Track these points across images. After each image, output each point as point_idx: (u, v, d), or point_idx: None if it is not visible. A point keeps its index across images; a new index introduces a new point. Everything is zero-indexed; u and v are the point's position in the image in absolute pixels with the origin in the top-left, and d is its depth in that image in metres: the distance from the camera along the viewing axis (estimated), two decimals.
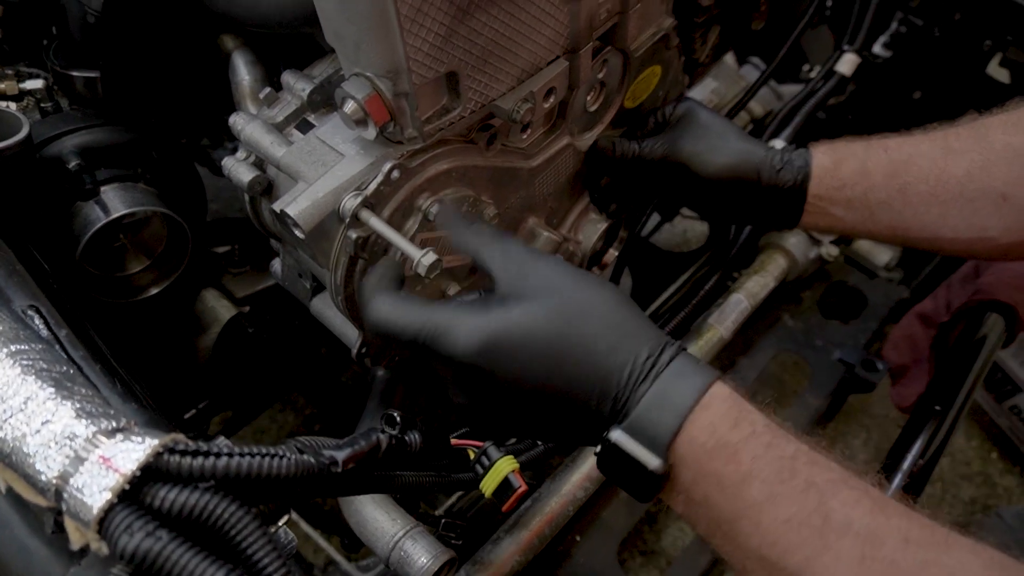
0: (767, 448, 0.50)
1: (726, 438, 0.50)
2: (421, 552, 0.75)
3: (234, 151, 0.79)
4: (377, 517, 0.78)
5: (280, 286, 0.96)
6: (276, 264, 0.93)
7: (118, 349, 0.66)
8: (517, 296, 0.56)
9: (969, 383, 1.02)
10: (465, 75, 0.68)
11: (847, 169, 0.84)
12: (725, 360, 1.33)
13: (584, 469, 0.99)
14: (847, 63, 1.19)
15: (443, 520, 0.85)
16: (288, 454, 0.46)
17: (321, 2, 0.62)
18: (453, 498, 1.06)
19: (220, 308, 1.03)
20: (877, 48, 1.58)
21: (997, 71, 1.49)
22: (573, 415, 0.54)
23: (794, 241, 1.31)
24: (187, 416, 1.08)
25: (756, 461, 0.49)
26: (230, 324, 1.02)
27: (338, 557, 1.06)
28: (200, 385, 1.08)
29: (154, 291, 0.91)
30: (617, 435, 0.52)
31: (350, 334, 0.85)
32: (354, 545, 0.99)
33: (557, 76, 0.77)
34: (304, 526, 1.14)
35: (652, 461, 0.51)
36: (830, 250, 1.31)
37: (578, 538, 1.06)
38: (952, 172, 0.79)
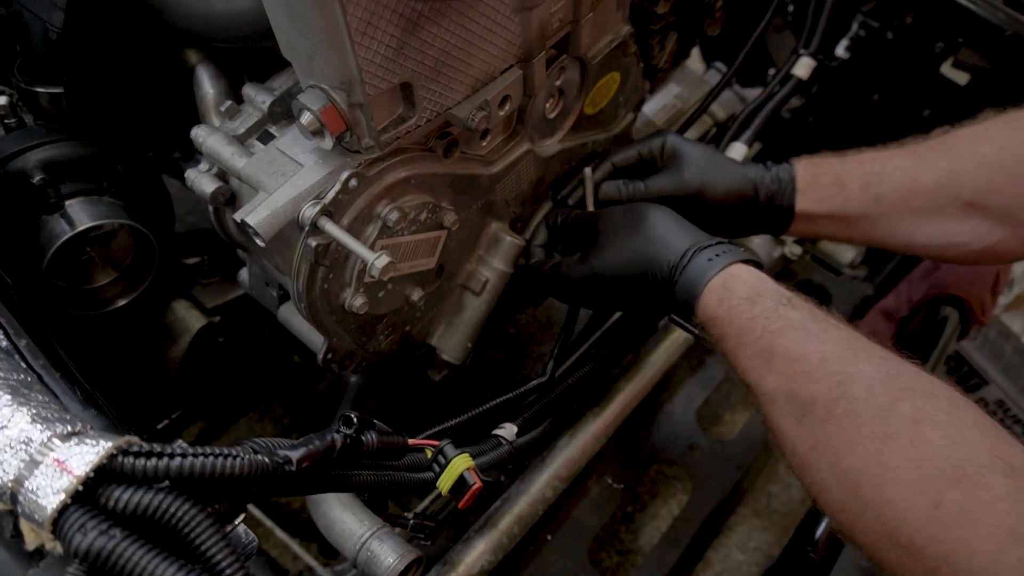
0: (747, 313, 0.69)
1: (719, 311, 0.72)
2: (388, 552, 0.77)
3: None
4: (344, 519, 0.79)
5: (250, 296, 0.97)
6: (244, 273, 0.94)
7: (85, 359, 0.67)
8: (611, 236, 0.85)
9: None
10: (419, 85, 0.70)
11: (825, 183, 0.91)
12: (693, 359, 1.36)
13: (553, 468, 1.01)
14: (803, 67, 1.21)
15: (412, 521, 0.86)
16: (241, 454, 0.48)
17: (274, 16, 0.64)
18: (427, 500, 1.07)
19: (190, 318, 1.04)
20: (840, 51, 1.62)
21: (955, 73, 1.53)
22: (648, 286, 0.80)
23: (758, 241, 1.34)
24: (160, 426, 1.09)
25: (732, 323, 0.70)
26: (200, 334, 1.03)
27: (312, 562, 1.07)
28: (172, 395, 1.08)
29: (122, 303, 0.92)
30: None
31: (316, 340, 0.86)
32: (331, 551, 1.01)
33: (511, 84, 0.79)
34: (280, 533, 1.15)
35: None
36: (793, 249, 1.33)
37: (549, 537, 1.07)
38: (922, 182, 0.84)
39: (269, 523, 1.11)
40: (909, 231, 0.87)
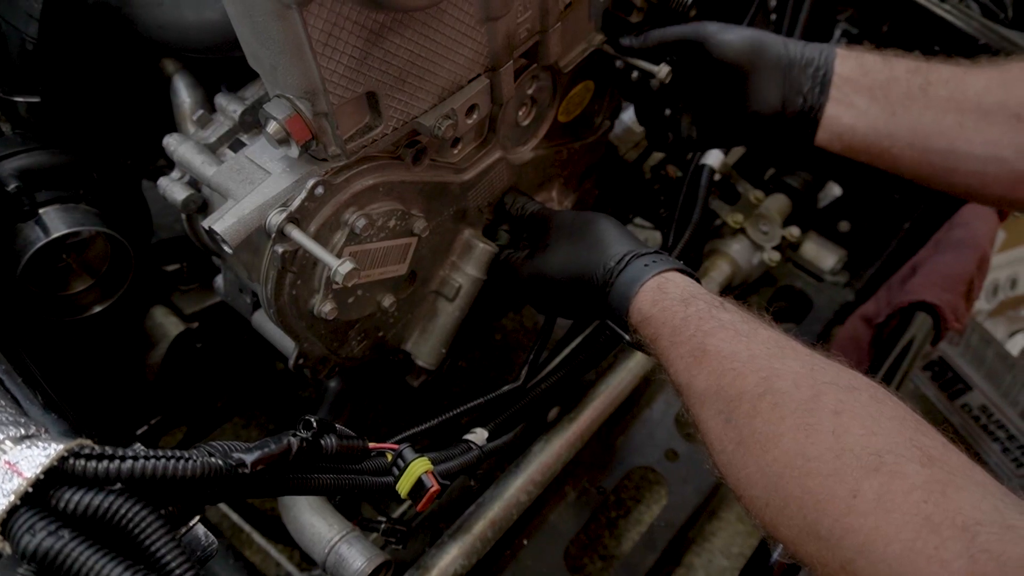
0: (680, 313, 0.71)
1: (652, 311, 0.73)
2: (356, 556, 0.78)
3: None
4: (314, 523, 0.80)
5: (225, 302, 0.98)
6: (219, 280, 0.95)
7: (58, 365, 0.68)
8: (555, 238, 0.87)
9: (897, 379, 1.06)
10: (384, 94, 0.71)
11: (870, 58, 0.84)
12: None
13: (528, 473, 1.02)
14: None
15: (384, 526, 0.87)
16: (195, 456, 0.49)
17: (239, 28, 0.65)
18: (404, 506, 1.08)
19: (168, 324, 1.05)
20: None
21: None
22: (585, 289, 0.81)
23: (737, 248, 1.35)
24: (140, 432, 1.10)
25: (666, 323, 0.72)
26: (178, 340, 1.04)
27: (290, 567, 1.07)
28: (151, 401, 1.09)
29: (98, 309, 0.93)
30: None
31: (289, 345, 0.87)
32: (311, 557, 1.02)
33: (478, 93, 0.80)
34: (258, 538, 1.15)
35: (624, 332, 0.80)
36: (772, 255, 1.34)
37: (525, 541, 1.08)
38: (970, 83, 0.79)
39: (247, 528, 1.11)
40: (955, 131, 0.79)
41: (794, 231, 1.38)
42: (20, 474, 0.43)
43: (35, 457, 0.43)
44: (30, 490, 0.42)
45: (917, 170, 0.83)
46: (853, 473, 0.53)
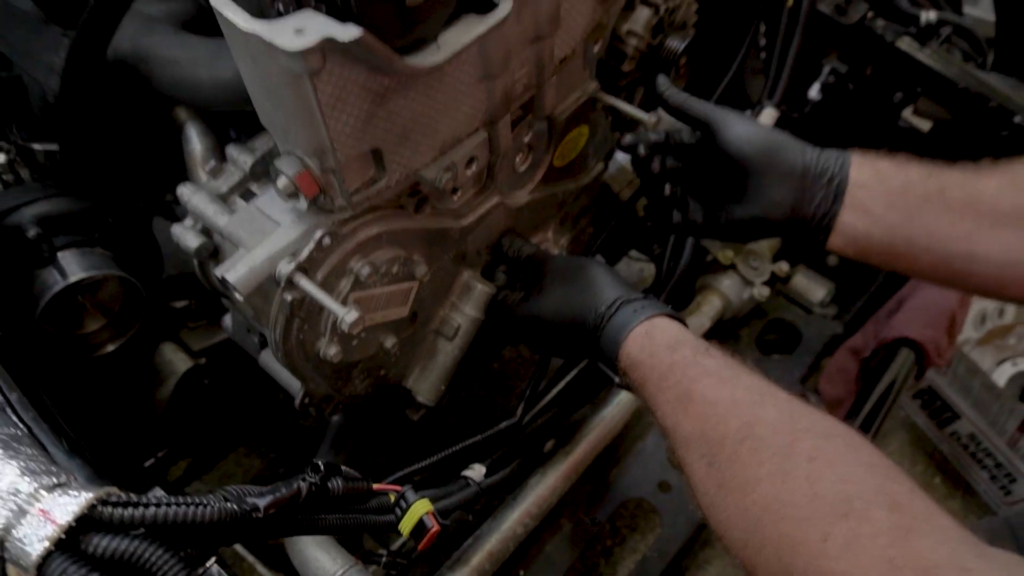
0: (667, 359, 0.75)
1: (641, 356, 0.77)
2: None
3: None
4: (318, 557, 0.84)
5: (233, 340, 1.02)
6: (227, 320, 0.99)
7: (73, 403, 0.72)
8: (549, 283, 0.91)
9: (882, 414, 1.10)
10: (388, 150, 0.75)
11: (884, 164, 0.83)
12: None
13: (524, 506, 1.05)
14: (767, 116, 1.28)
15: (385, 559, 0.90)
16: (212, 502, 0.52)
17: (252, 92, 0.69)
18: (403, 538, 1.11)
19: (177, 361, 1.08)
20: (813, 93, 1.68)
21: (920, 120, 1.60)
22: (577, 332, 0.85)
23: (728, 283, 1.40)
24: (147, 464, 1.13)
25: (654, 368, 0.75)
26: (186, 376, 1.07)
27: None
28: (159, 434, 1.13)
29: (111, 348, 0.97)
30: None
31: (294, 384, 0.91)
32: None
33: (477, 146, 0.84)
34: (262, 569, 1.18)
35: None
36: (762, 291, 1.39)
37: (522, 573, 1.11)
38: (983, 187, 0.79)
39: (251, 558, 1.14)
40: (972, 235, 0.78)
41: (783, 266, 1.42)
42: (54, 521, 0.46)
43: (67, 505, 0.47)
44: (63, 536, 0.46)
45: (935, 273, 0.83)
46: (825, 518, 0.56)
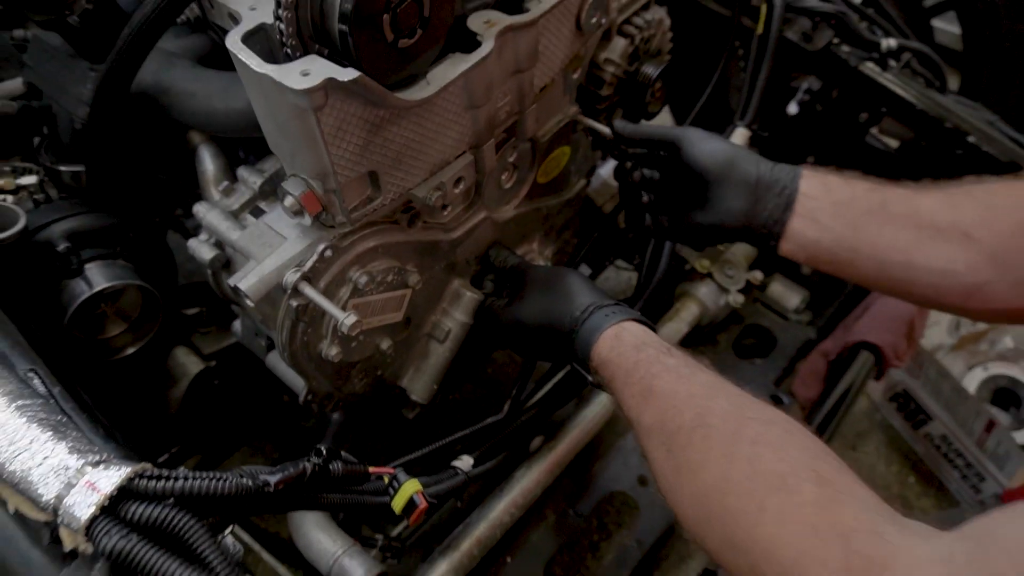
0: (632, 358, 0.83)
1: (610, 355, 0.85)
2: (357, 567, 0.89)
3: None
4: (320, 538, 0.92)
5: (242, 344, 1.11)
6: (237, 324, 1.08)
7: (101, 400, 0.80)
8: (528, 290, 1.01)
9: (842, 410, 1.19)
10: (383, 172, 0.84)
11: (832, 178, 0.89)
12: None
13: (511, 496, 1.14)
14: (738, 136, 1.37)
15: (381, 542, 0.99)
16: (230, 477, 0.61)
17: (263, 122, 0.78)
18: (400, 526, 1.20)
19: (189, 363, 1.17)
20: (792, 108, 1.77)
21: (889, 139, 1.69)
22: (554, 335, 0.94)
23: (705, 291, 1.48)
24: (160, 460, 1.22)
25: (621, 367, 0.83)
26: (198, 378, 1.16)
27: None
28: (172, 432, 1.21)
29: (131, 351, 1.06)
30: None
31: (298, 383, 1.00)
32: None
33: (465, 167, 0.93)
34: (267, 557, 1.26)
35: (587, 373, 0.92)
36: (736, 298, 1.47)
37: (508, 559, 1.19)
38: (923, 201, 0.85)
39: (257, 547, 1.22)
40: (912, 246, 0.83)
41: (757, 275, 1.51)
42: (98, 491, 0.55)
43: (109, 478, 0.56)
44: (106, 504, 0.55)
45: (877, 281, 0.89)
46: (761, 492, 0.64)
